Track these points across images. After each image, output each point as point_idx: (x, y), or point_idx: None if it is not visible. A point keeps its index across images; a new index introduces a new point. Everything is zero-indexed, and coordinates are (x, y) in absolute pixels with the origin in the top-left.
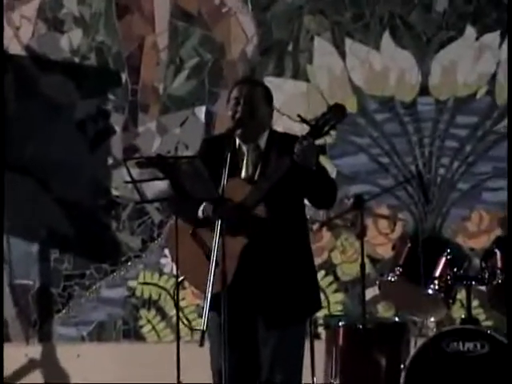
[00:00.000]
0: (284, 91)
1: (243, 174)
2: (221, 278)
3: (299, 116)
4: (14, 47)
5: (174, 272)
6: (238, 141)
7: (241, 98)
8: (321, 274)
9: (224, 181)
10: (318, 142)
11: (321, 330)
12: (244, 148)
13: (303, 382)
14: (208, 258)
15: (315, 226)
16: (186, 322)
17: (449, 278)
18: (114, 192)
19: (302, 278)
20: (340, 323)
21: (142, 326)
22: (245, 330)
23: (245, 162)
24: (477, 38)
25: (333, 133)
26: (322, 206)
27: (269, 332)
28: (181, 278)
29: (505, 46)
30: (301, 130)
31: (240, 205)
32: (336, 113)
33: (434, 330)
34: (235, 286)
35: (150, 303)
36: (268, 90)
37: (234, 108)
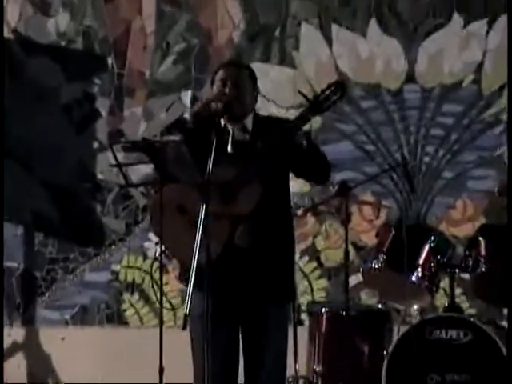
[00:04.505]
0: (270, 77)
1: (229, 152)
2: (206, 254)
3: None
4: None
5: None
6: (223, 121)
7: (227, 80)
8: (304, 259)
9: (210, 166)
10: (304, 127)
11: (304, 316)
12: (229, 128)
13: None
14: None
15: (300, 212)
16: (169, 306)
17: (432, 265)
18: (99, 176)
19: (283, 264)
20: (323, 310)
21: (125, 310)
22: (229, 316)
23: (230, 141)
24: (464, 27)
25: (318, 119)
26: (318, 180)
27: (251, 317)
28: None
29: (492, 35)
30: (287, 116)
31: (229, 184)
32: (336, 89)
33: (417, 317)
34: (222, 267)
35: (133, 287)
36: (253, 71)
37: (220, 89)
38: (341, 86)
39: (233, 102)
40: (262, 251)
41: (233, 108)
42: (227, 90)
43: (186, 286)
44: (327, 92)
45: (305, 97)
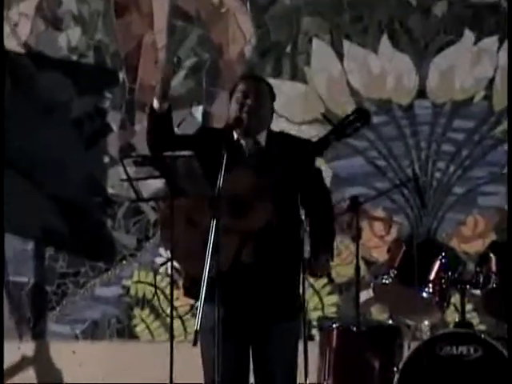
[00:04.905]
0: (282, 93)
1: (241, 166)
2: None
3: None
4: (11, 44)
5: (169, 271)
6: (235, 135)
7: (249, 92)
8: None
9: (220, 181)
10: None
11: (315, 331)
12: (243, 142)
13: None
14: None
15: None
16: (179, 321)
17: (443, 281)
18: (110, 190)
19: (289, 280)
20: (334, 325)
21: (135, 325)
22: (238, 331)
23: (242, 155)
24: (475, 43)
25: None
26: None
27: (259, 333)
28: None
29: (503, 51)
30: (297, 132)
31: (240, 199)
32: (361, 116)
33: (428, 333)
34: (229, 283)
35: (144, 302)
36: (272, 88)
37: (241, 101)
38: (365, 114)
39: (251, 114)
40: (268, 268)
41: (250, 121)
42: (248, 102)
43: (193, 299)
44: (351, 118)
45: (328, 120)
